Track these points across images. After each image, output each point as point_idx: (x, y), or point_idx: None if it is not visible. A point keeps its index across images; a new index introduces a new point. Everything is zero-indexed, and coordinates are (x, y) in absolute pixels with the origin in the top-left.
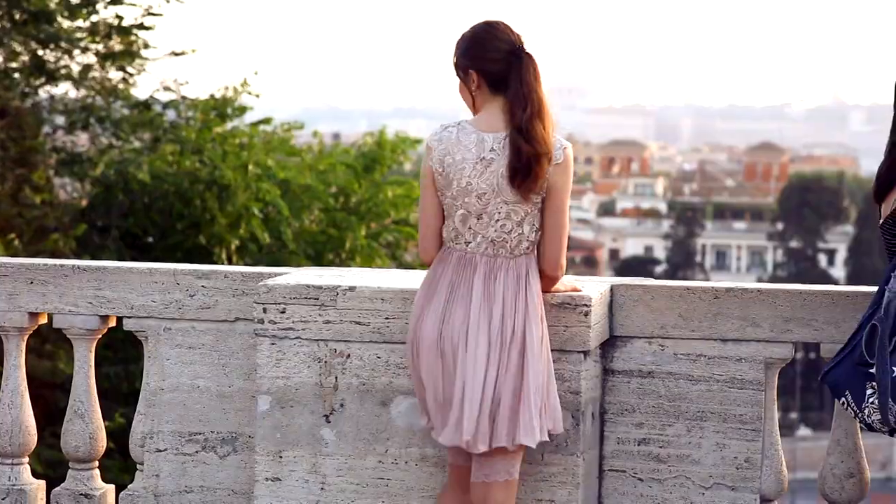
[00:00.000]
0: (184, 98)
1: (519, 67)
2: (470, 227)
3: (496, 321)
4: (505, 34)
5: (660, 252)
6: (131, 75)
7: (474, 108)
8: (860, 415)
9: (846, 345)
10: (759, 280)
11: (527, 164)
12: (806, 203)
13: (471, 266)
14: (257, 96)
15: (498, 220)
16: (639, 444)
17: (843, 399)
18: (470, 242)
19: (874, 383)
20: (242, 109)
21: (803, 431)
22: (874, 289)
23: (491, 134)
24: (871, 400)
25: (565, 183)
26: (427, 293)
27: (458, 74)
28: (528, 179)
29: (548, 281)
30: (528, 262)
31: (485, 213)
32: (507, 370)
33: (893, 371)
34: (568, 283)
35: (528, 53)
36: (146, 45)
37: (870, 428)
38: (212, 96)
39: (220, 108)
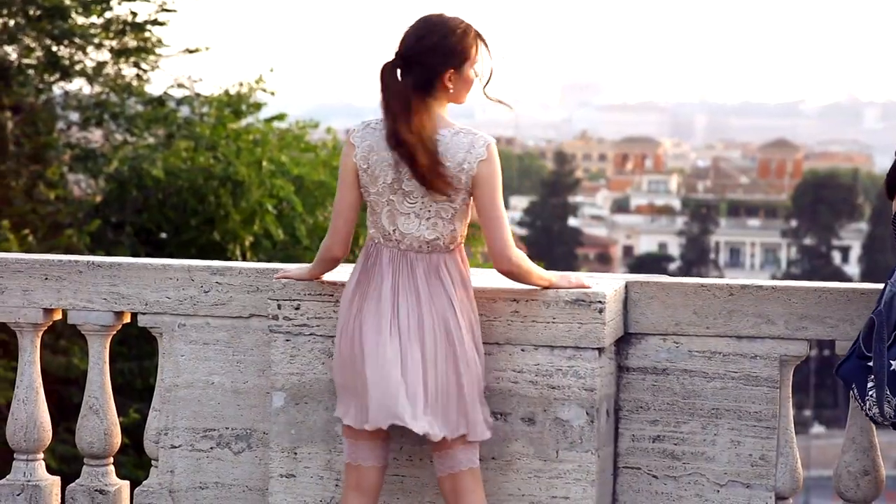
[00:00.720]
0: (198, 95)
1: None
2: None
3: (408, 314)
4: (410, 33)
5: (674, 249)
6: (145, 71)
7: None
8: (864, 408)
9: (857, 339)
10: (773, 277)
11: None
12: (820, 200)
13: (397, 262)
14: (272, 94)
15: (412, 216)
16: (653, 442)
17: (851, 392)
18: (394, 239)
19: (873, 376)
20: (257, 106)
21: (817, 429)
22: None
23: None
24: (870, 392)
25: (490, 176)
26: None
27: None
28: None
29: (508, 275)
30: (445, 257)
31: (399, 210)
32: (436, 363)
33: (891, 364)
34: (575, 279)
35: (392, 60)
36: (160, 42)
37: (873, 421)
38: (226, 92)
39: (235, 105)
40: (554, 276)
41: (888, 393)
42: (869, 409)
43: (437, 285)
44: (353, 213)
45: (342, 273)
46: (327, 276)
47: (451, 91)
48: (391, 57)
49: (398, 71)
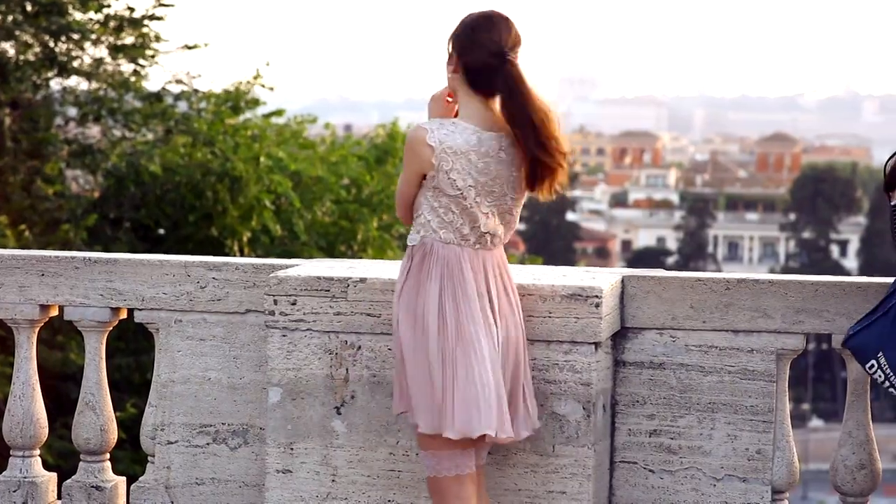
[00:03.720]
0: (195, 91)
1: (504, 73)
2: (472, 224)
3: None
4: (497, 33)
5: (672, 243)
6: (143, 67)
7: (459, 95)
8: (892, 378)
9: (876, 308)
10: (772, 271)
11: (542, 174)
12: (818, 194)
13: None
14: (271, 89)
15: (505, 214)
16: (650, 436)
17: (874, 362)
18: (470, 238)
19: None
20: (255, 102)
21: (815, 423)
22: (887, 279)
23: (491, 133)
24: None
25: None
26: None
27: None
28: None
29: None
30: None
31: (497, 208)
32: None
33: None
34: None
35: (511, 61)
36: (158, 38)
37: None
38: (225, 91)
39: (234, 101)
40: None
41: None
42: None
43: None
44: None
45: (339, 269)
46: (330, 272)
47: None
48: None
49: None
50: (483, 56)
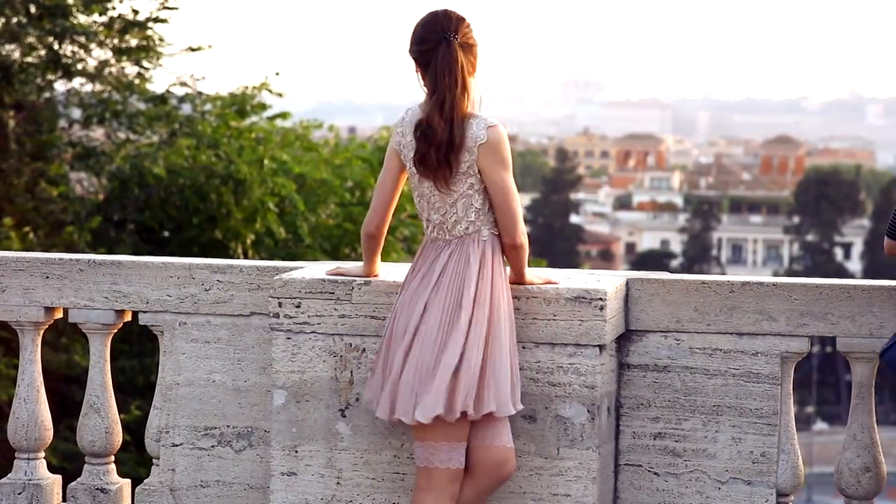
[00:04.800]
0: (200, 94)
1: (437, 57)
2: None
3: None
4: (439, 23)
5: (676, 246)
6: (147, 69)
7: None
8: None
9: None
10: (776, 274)
11: (423, 157)
12: (822, 196)
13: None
14: (280, 95)
15: (436, 203)
16: (655, 439)
17: None
18: (428, 226)
19: None
20: (262, 106)
21: (820, 426)
22: (891, 282)
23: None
24: None
25: (496, 161)
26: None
27: None
28: (428, 170)
29: (509, 250)
30: (470, 242)
31: (431, 197)
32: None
33: None
34: (542, 275)
35: (449, 41)
36: (162, 40)
37: None
38: (231, 94)
39: (239, 104)
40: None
41: None
42: None
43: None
44: None
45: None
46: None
47: None
48: None
49: None
50: (423, 46)
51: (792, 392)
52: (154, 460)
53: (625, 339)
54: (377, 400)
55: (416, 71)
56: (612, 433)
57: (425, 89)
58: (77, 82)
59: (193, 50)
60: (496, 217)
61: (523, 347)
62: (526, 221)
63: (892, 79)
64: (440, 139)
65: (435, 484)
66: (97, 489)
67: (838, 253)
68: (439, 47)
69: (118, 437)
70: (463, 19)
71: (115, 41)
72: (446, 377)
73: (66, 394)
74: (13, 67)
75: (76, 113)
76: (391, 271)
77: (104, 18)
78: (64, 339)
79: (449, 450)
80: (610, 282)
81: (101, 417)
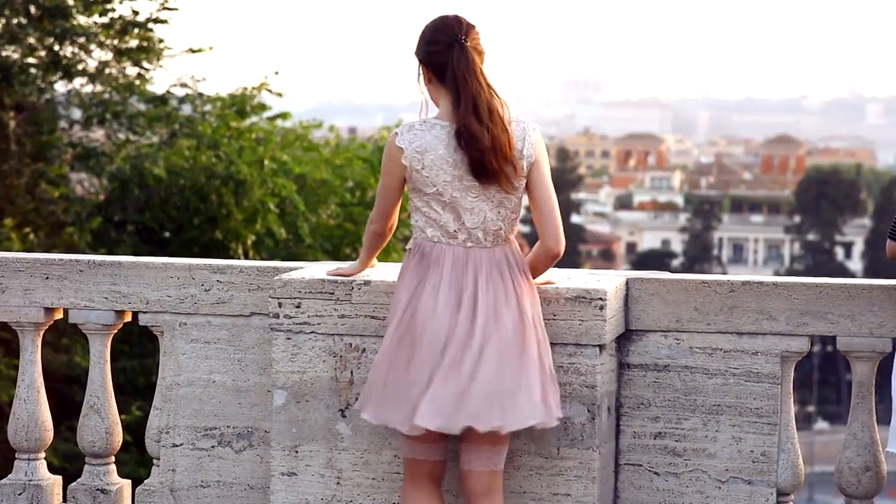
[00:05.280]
0: (200, 94)
1: (453, 59)
2: (457, 220)
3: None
4: (450, 26)
5: (677, 245)
6: (147, 70)
7: (434, 100)
8: None
9: None
10: (776, 273)
11: (479, 161)
12: (823, 196)
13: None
14: (280, 95)
15: (475, 208)
16: (655, 438)
17: None
18: (458, 234)
19: None
20: (262, 107)
21: (821, 425)
22: (891, 282)
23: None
24: None
25: (545, 163)
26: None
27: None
28: (490, 176)
29: (550, 258)
30: (505, 246)
31: (462, 206)
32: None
33: None
34: (543, 276)
35: (462, 44)
36: (161, 42)
37: None
38: (231, 95)
39: (239, 105)
40: None
41: None
42: None
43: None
44: None
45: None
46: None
47: None
48: None
49: None
50: (434, 47)
51: (792, 391)
52: (154, 461)
53: (625, 339)
54: (409, 410)
55: (422, 74)
56: (613, 433)
57: (426, 92)
58: (77, 83)
59: (194, 51)
60: (541, 221)
61: None
62: (526, 221)
63: (893, 78)
64: (490, 144)
65: (496, 486)
66: (97, 490)
67: (839, 252)
68: (451, 49)
69: (118, 437)
70: (473, 26)
71: (116, 42)
72: (536, 382)
73: (66, 394)
74: (13, 68)
75: (76, 114)
76: (391, 271)
77: (104, 19)
78: (65, 339)
79: (504, 451)
80: (610, 281)
81: (102, 418)
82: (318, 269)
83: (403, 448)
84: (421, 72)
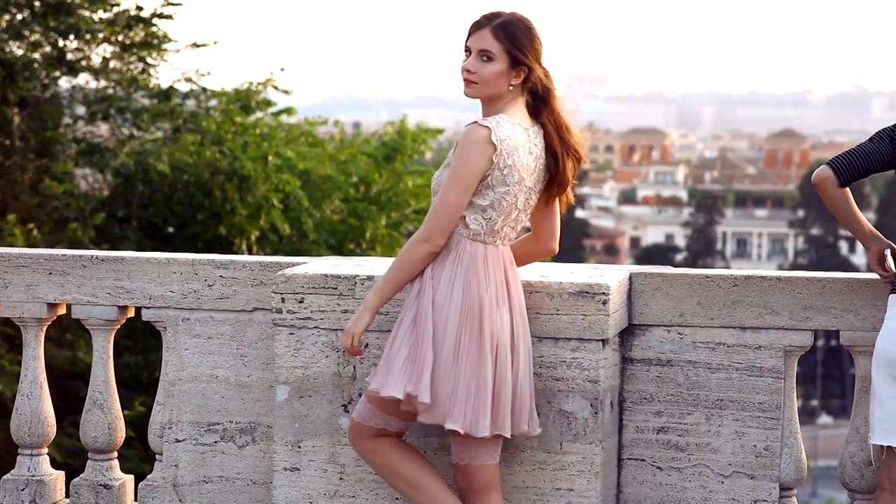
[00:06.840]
0: (204, 90)
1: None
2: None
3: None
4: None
5: (680, 240)
6: (151, 65)
7: (498, 97)
8: None
9: None
10: (780, 268)
11: (566, 172)
12: None
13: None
14: (286, 92)
15: (525, 214)
16: (658, 433)
17: None
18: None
19: None
20: (267, 103)
21: (824, 419)
22: None
23: (531, 129)
24: None
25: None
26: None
27: (509, 61)
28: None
29: (548, 255)
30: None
31: (527, 206)
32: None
33: None
34: None
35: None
36: (166, 37)
37: None
38: (235, 91)
39: (244, 100)
40: None
41: None
42: None
43: None
44: None
45: (346, 267)
46: (337, 270)
47: None
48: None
49: None
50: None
51: (795, 386)
52: (157, 456)
53: (628, 334)
54: (475, 417)
55: (519, 73)
56: (616, 427)
57: (515, 87)
58: (81, 79)
59: (198, 46)
60: (551, 221)
61: None
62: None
63: None
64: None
65: (496, 480)
66: (100, 485)
67: (843, 247)
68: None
69: (121, 433)
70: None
71: (120, 37)
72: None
73: (69, 390)
74: (17, 64)
75: (80, 109)
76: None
77: (108, 15)
78: (68, 335)
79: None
80: (613, 276)
81: (105, 413)
82: (320, 265)
83: (372, 419)
84: (522, 74)
